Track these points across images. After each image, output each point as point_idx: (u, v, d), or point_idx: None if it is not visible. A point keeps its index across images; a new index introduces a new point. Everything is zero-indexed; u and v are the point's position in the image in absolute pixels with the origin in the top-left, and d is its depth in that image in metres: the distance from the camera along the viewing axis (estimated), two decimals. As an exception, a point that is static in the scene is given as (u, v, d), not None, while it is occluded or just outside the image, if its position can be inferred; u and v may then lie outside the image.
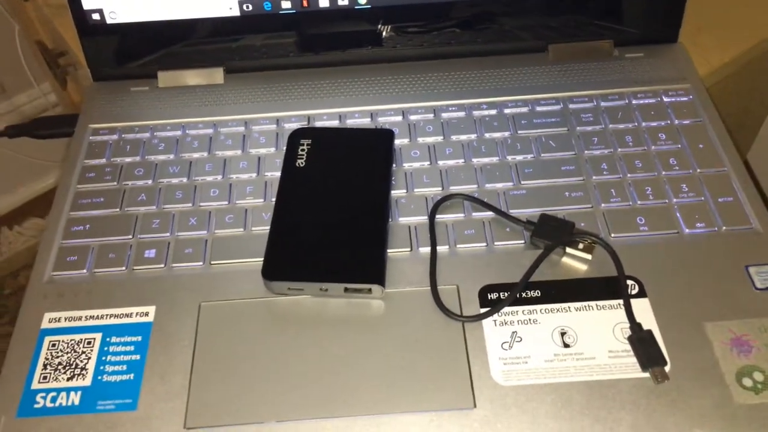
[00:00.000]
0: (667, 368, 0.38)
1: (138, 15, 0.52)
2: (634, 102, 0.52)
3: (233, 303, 0.43)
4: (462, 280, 0.43)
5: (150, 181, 0.49)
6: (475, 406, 0.38)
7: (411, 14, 0.54)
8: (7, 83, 1.21)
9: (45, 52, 0.93)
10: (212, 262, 0.45)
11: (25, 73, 1.12)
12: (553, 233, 0.43)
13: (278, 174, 0.49)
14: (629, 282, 0.42)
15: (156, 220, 0.47)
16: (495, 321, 0.41)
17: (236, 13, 0.53)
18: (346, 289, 0.42)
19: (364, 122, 0.52)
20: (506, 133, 0.50)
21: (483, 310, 0.41)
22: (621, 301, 0.41)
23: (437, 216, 0.46)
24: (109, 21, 0.52)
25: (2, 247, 1.30)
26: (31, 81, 1.15)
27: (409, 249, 0.45)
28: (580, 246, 0.43)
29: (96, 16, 0.52)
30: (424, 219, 0.46)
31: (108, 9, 0.52)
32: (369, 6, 0.53)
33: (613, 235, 0.44)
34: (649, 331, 0.40)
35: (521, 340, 0.40)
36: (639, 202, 0.46)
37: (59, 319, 0.42)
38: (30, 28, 1.00)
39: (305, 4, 0.53)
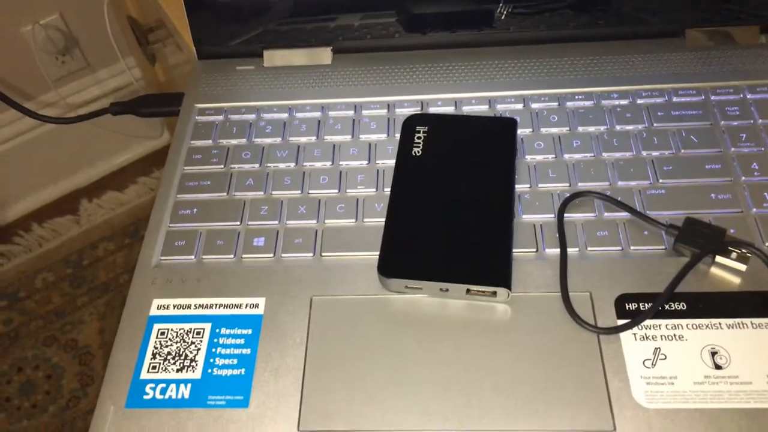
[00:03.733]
0: (840, 401, 0.34)
1: (247, -10, 0.50)
2: (786, 95, 0.46)
3: (345, 299, 0.40)
4: (595, 287, 0.39)
5: (257, 165, 0.47)
6: (614, 428, 0.34)
7: (534, -7, 0.50)
8: (93, 57, 1.22)
9: (135, 27, 0.93)
10: (323, 254, 0.42)
11: (111, 48, 1.13)
12: (701, 240, 0.39)
13: (391, 162, 0.46)
14: (791, 299, 0.37)
15: (264, 207, 0.45)
16: (635, 335, 0.37)
17: (348, -11, 0.50)
18: (468, 291, 0.39)
19: (482, 109, 0.49)
20: (641, 126, 0.46)
21: (621, 322, 0.38)
22: (782, 321, 0.37)
23: (565, 214, 0.42)
24: (217, -4, 0.50)
25: (81, 219, 1.33)
26: (117, 55, 1.15)
27: (534, 249, 0.41)
28: (734, 255, 0.38)
29: (205, -9, 0.50)
30: (550, 217, 0.42)
31: (217, -17, 0.50)
32: (490, -17, 0.49)
33: (767, 243, 0.40)
34: (818, 357, 0.35)
35: (665, 357, 0.36)
36: (797, 209, 0.41)
37: (168, 306, 0.41)
38: (118, 2, 1.00)
39: (422, -20, 0.49)
